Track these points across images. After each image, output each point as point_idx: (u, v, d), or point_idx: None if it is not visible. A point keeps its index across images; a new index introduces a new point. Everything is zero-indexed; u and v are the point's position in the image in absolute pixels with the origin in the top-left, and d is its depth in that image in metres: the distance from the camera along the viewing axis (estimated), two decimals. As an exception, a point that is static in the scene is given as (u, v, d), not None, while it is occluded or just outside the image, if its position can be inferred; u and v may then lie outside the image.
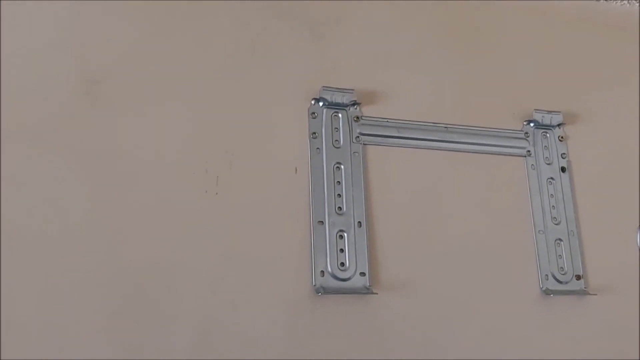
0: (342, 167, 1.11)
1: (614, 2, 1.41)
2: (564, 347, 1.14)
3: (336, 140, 1.12)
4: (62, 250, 0.93)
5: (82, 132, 1.00)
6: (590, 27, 1.39)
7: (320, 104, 1.13)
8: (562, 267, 1.18)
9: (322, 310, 1.03)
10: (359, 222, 1.08)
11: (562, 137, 1.27)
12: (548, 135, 1.27)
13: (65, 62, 1.02)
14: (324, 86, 1.12)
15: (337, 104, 1.13)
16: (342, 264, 1.05)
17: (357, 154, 1.12)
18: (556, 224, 1.21)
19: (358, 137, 1.13)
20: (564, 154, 1.27)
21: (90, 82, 1.02)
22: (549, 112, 1.26)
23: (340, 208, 1.08)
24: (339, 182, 1.10)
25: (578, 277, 1.18)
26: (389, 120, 1.16)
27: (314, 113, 1.12)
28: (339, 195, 1.09)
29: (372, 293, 1.04)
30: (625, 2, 1.41)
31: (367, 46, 1.20)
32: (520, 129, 1.25)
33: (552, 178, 1.24)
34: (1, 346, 0.87)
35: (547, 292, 1.15)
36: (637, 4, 1.42)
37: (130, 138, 1.01)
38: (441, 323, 1.08)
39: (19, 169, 0.95)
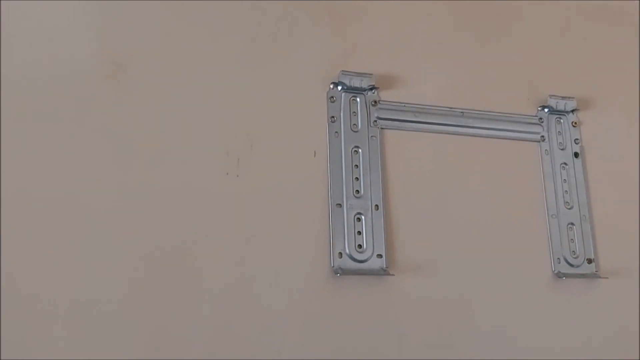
0: (360, 150, 1.13)
1: (629, -12, 1.41)
2: (575, 329, 1.16)
3: (354, 124, 1.14)
4: (89, 231, 0.96)
5: (106, 114, 1.01)
6: (606, 13, 1.40)
7: (339, 88, 1.14)
8: (574, 251, 1.20)
9: (340, 290, 1.05)
10: (376, 205, 1.10)
11: (575, 123, 1.28)
12: (562, 120, 1.28)
13: (89, 45, 1.04)
14: (342, 70, 1.14)
15: (356, 88, 1.15)
16: (360, 246, 1.08)
17: (374, 138, 1.14)
18: (569, 209, 1.23)
19: (376, 121, 1.15)
20: (577, 139, 1.28)
21: (114, 65, 1.03)
22: (563, 98, 1.27)
23: (357, 191, 1.10)
24: (356, 165, 1.12)
25: (589, 261, 1.20)
26: (406, 105, 1.18)
27: (332, 97, 1.14)
28: (357, 178, 1.11)
29: (389, 274, 1.07)
30: (641, -12, 1.41)
31: (386, 31, 1.21)
32: (534, 115, 1.27)
33: (565, 163, 1.26)
34: (32, 325, 0.90)
35: (559, 275, 1.17)
36: (652, -10, 1.43)
37: (153, 121, 1.03)
38: (456, 304, 1.11)
39: (43, 151, 0.97)
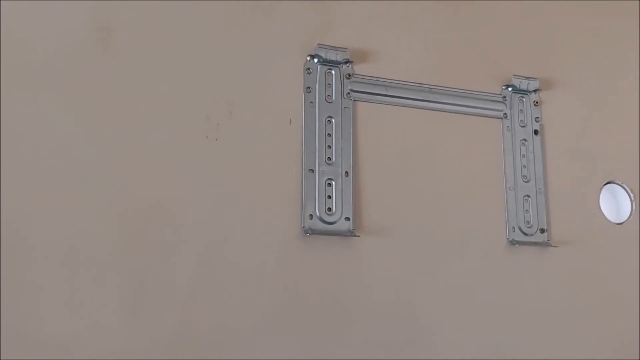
0: (333, 120, 1.20)
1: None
2: (526, 291, 1.26)
3: (329, 95, 1.21)
4: (77, 187, 1.02)
5: (93, 76, 1.07)
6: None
7: (315, 60, 1.21)
8: (528, 221, 1.30)
9: (310, 249, 1.14)
10: (347, 171, 1.18)
11: (537, 102, 1.37)
12: (524, 99, 1.36)
13: (77, 9, 1.08)
14: (319, 44, 1.20)
15: (331, 61, 1.21)
16: (329, 209, 1.16)
17: (347, 109, 1.21)
18: (526, 182, 1.32)
19: (349, 93, 1.22)
20: (538, 117, 1.36)
21: (103, 29, 1.09)
22: (527, 78, 1.35)
23: (329, 158, 1.18)
24: (329, 134, 1.19)
25: (542, 231, 1.30)
26: (378, 79, 1.25)
27: (309, 69, 1.20)
28: (329, 146, 1.18)
29: (355, 236, 1.15)
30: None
31: (362, 8, 1.27)
32: (499, 93, 1.35)
33: (525, 140, 1.34)
34: (26, 271, 0.97)
35: (513, 243, 1.27)
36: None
37: (138, 84, 1.09)
38: (416, 265, 1.20)
39: (31, 114, 1.02)
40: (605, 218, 1.38)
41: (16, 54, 1.03)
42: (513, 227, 1.28)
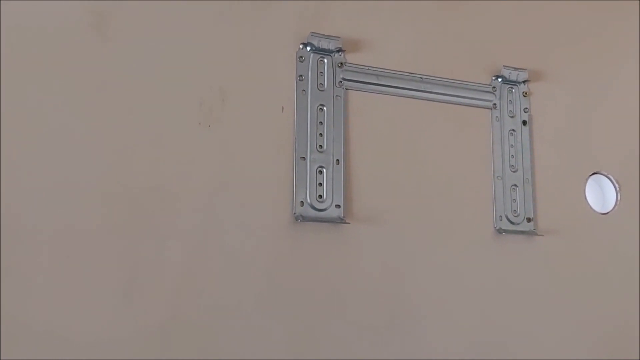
0: (325, 108, 1.21)
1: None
2: (512, 278, 1.29)
3: (321, 83, 1.22)
4: (74, 170, 1.03)
5: (86, 63, 1.07)
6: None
7: (308, 48, 1.22)
8: (515, 210, 1.32)
9: (300, 235, 1.15)
10: (337, 159, 1.20)
11: (526, 93, 1.39)
12: (513, 90, 1.38)
13: (72, -5, 1.09)
14: (312, 32, 1.21)
15: (324, 50, 1.22)
16: (320, 196, 1.17)
17: (339, 98, 1.23)
18: (513, 172, 1.34)
19: (341, 82, 1.23)
20: (527, 108, 1.38)
21: (98, 15, 1.09)
22: (516, 69, 1.37)
23: (321, 146, 1.19)
24: (321, 122, 1.20)
25: (529, 220, 1.33)
26: (370, 68, 1.26)
27: (301, 57, 1.22)
28: (321, 134, 1.20)
29: (345, 223, 1.17)
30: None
31: (355, -3, 1.28)
32: (488, 83, 1.36)
33: (513, 130, 1.36)
34: (21, 251, 0.98)
35: (499, 231, 1.29)
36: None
37: (133, 70, 1.10)
38: (404, 252, 1.22)
39: (26, 99, 1.03)
40: (591, 208, 1.40)
41: (10, 37, 1.03)
42: (500, 216, 1.30)
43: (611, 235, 1.41)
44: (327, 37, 1.22)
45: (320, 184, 1.18)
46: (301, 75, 1.21)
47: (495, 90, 1.36)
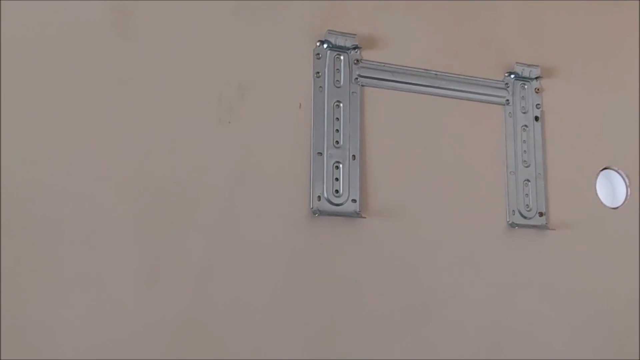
0: (342, 105, 1.23)
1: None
2: (524, 272, 1.31)
3: (337, 80, 1.24)
4: (97, 166, 1.06)
5: (108, 60, 1.10)
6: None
7: (325, 46, 1.24)
8: (527, 205, 1.34)
9: (318, 229, 1.18)
10: (354, 155, 1.22)
11: (538, 89, 1.40)
12: (526, 86, 1.40)
13: (95, -6, 1.11)
14: (329, 30, 1.23)
15: (340, 47, 1.24)
16: (337, 191, 1.20)
17: (355, 94, 1.25)
18: (526, 167, 1.36)
19: (357, 78, 1.25)
20: (539, 104, 1.40)
21: (119, 13, 1.11)
22: (529, 65, 1.39)
23: (337, 142, 1.21)
24: (337, 118, 1.22)
25: (541, 214, 1.35)
26: (385, 65, 1.28)
27: (318, 54, 1.24)
28: (337, 130, 1.22)
29: (362, 217, 1.19)
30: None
31: (371, -6, 1.30)
32: (501, 80, 1.38)
33: (526, 126, 1.38)
34: (43, 244, 1.01)
35: (512, 225, 1.31)
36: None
37: (154, 67, 1.12)
38: (419, 246, 1.24)
39: (48, 96, 1.05)
40: (602, 202, 1.42)
41: (31, 35, 1.06)
42: (513, 211, 1.32)
43: (622, 229, 1.42)
44: (344, 34, 1.24)
45: (337, 179, 1.20)
46: (318, 72, 1.23)
47: (508, 87, 1.38)
